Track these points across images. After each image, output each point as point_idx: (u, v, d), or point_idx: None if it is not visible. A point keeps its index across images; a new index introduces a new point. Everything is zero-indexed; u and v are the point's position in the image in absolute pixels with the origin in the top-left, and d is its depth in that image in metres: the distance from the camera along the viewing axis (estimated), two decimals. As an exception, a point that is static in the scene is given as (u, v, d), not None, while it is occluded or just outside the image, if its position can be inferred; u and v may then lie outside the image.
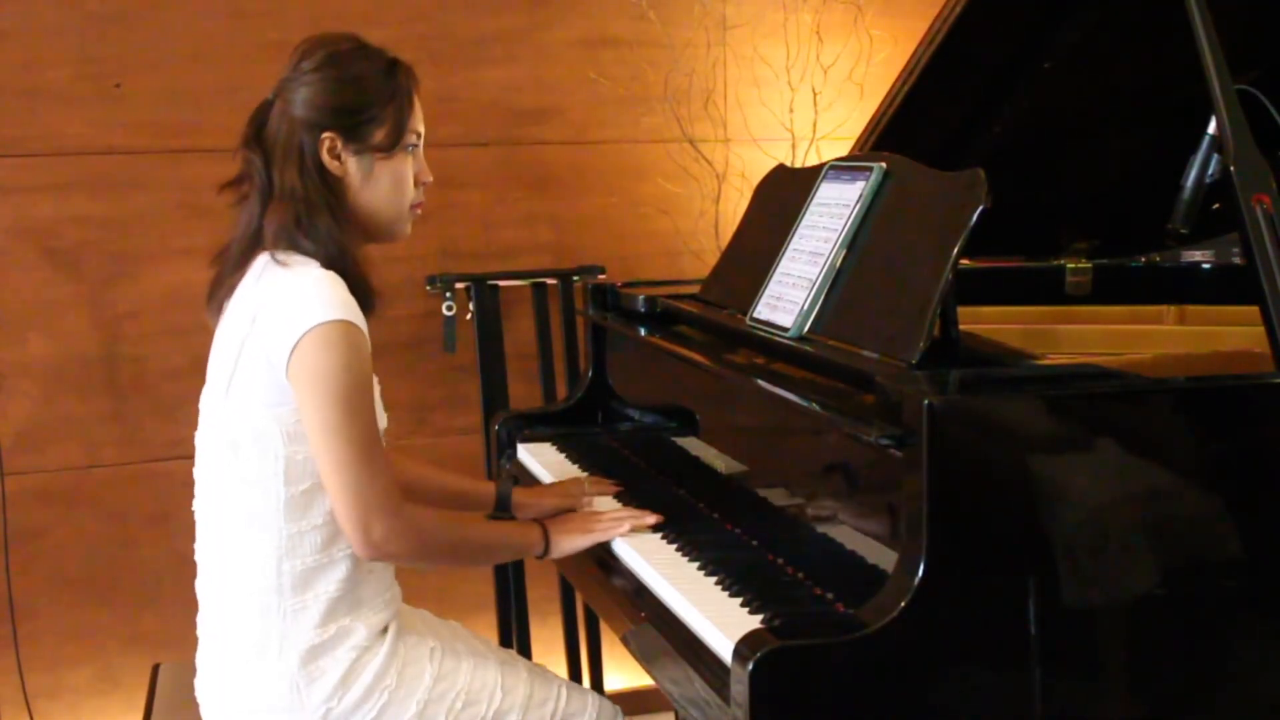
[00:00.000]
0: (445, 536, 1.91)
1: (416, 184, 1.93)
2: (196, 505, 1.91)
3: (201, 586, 1.92)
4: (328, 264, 1.81)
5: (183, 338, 3.02)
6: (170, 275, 3.03)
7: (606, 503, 2.17)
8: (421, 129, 1.93)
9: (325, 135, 1.84)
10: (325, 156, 1.84)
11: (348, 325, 1.75)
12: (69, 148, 2.96)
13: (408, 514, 1.81)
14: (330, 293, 1.77)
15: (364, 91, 1.86)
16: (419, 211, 1.96)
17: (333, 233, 1.83)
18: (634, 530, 1.97)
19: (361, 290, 1.83)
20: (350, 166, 1.86)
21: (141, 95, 2.99)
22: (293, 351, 1.74)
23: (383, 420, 1.90)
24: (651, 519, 2.00)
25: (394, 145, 1.88)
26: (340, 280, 1.80)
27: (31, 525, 3.01)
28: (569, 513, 2.11)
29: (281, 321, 1.75)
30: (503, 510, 2.23)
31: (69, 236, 2.99)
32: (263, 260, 1.84)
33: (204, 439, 1.89)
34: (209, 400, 1.88)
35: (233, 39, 3.02)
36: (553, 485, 2.29)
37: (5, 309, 2.96)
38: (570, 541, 1.99)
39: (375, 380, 1.89)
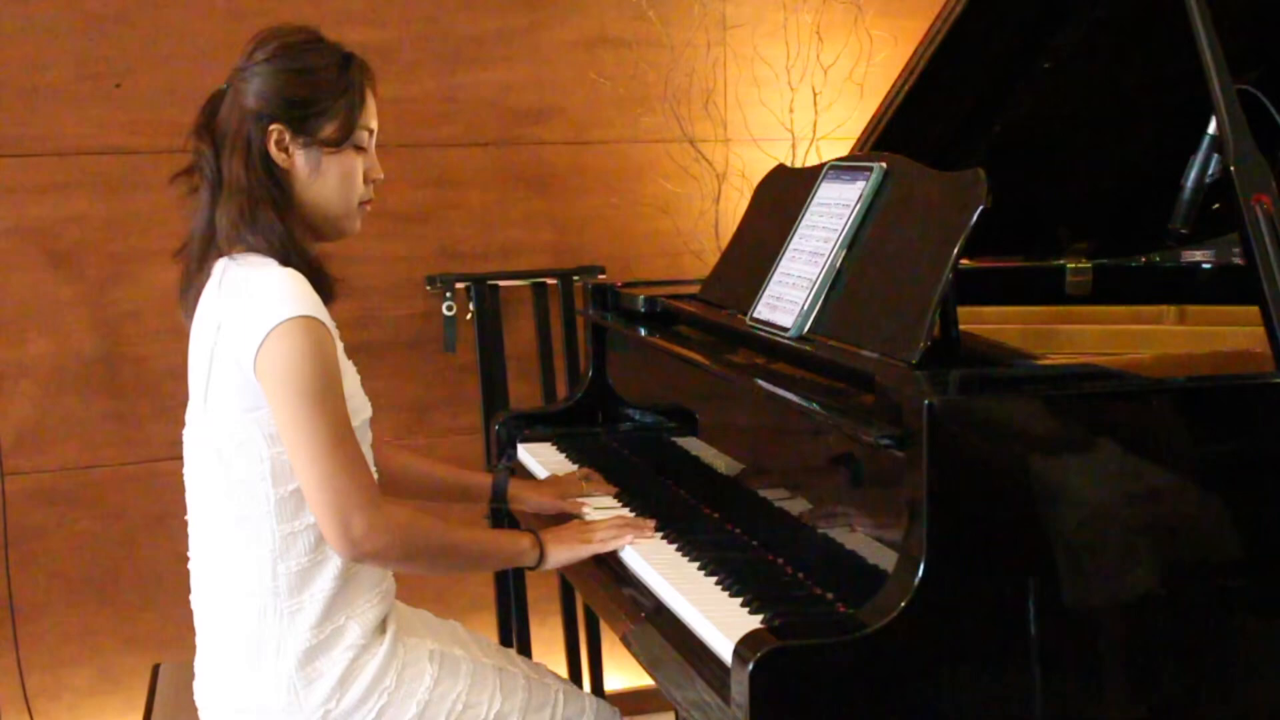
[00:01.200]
0: (429, 537, 1.86)
1: (367, 180, 1.91)
2: (189, 515, 1.91)
3: (196, 596, 1.91)
4: (284, 260, 1.80)
5: (183, 338, 2.97)
6: (170, 275, 2.96)
7: (604, 503, 2.16)
8: (374, 125, 1.91)
9: (273, 127, 1.82)
10: (272, 149, 1.82)
11: (310, 320, 1.75)
12: (69, 148, 2.97)
13: (389, 510, 1.79)
14: (291, 289, 1.76)
15: (315, 84, 1.83)
16: (368, 208, 1.94)
17: (275, 227, 1.81)
18: (635, 541, 1.95)
19: (318, 280, 1.82)
20: (297, 160, 1.84)
21: (141, 95, 2.99)
22: (258, 351, 1.73)
23: (367, 410, 1.90)
24: (649, 529, 1.97)
25: (343, 140, 1.85)
26: (300, 276, 1.78)
27: (31, 525, 3.01)
28: (565, 520, 2.09)
29: (245, 323, 1.75)
30: (498, 501, 2.22)
31: (69, 236, 2.99)
32: (222, 264, 1.83)
33: (190, 448, 1.89)
34: (191, 410, 1.88)
35: (233, 39, 2.96)
36: (549, 480, 2.29)
37: (5, 309, 2.96)
38: (566, 552, 1.96)
39: (354, 370, 1.89)
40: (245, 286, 1.78)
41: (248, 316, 1.75)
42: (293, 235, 1.83)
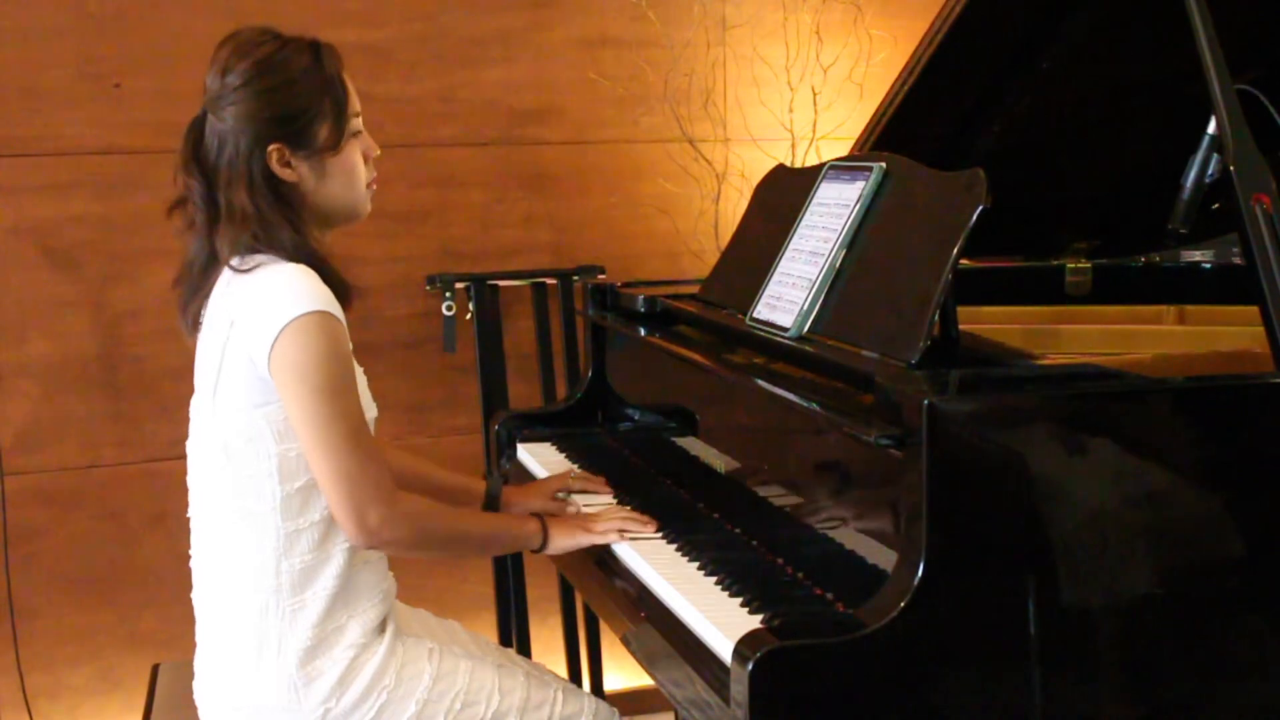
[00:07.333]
0: (442, 525, 1.91)
1: (366, 162, 1.92)
2: (191, 512, 1.91)
3: (198, 593, 1.92)
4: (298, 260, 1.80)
5: (182, 338, 3.01)
6: (170, 275, 3.00)
7: (596, 500, 2.17)
8: (358, 106, 1.90)
9: (272, 148, 1.82)
10: (275, 167, 1.82)
11: (323, 315, 1.75)
12: (69, 148, 2.96)
13: (403, 501, 1.82)
14: (303, 285, 1.77)
15: (299, 94, 1.83)
16: (374, 188, 1.95)
17: (297, 242, 1.82)
18: (632, 538, 1.97)
19: (336, 287, 1.82)
20: (302, 170, 1.85)
21: (141, 95, 2.99)
22: (272, 347, 1.74)
23: (372, 410, 1.90)
24: (651, 528, 1.98)
25: (340, 139, 1.85)
26: (311, 271, 1.79)
27: (31, 525, 3.01)
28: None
29: (259, 319, 1.75)
30: (492, 506, 2.24)
31: (69, 236, 2.99)
32: (228, 271, 1.83)
33: (196, 445, 1.89)
34: (198, 407, 1.89)
35: (233, 39, 3.01)
36: (541, 482, 2.29)
37: (5, 309, 2.96)
38: (568, 539, 1.99)
39: (360, 371, 1.89)
40: (258, 284, 1.78)
41: (261, 312, 1.75)
42: (308, 241, 1.84)
